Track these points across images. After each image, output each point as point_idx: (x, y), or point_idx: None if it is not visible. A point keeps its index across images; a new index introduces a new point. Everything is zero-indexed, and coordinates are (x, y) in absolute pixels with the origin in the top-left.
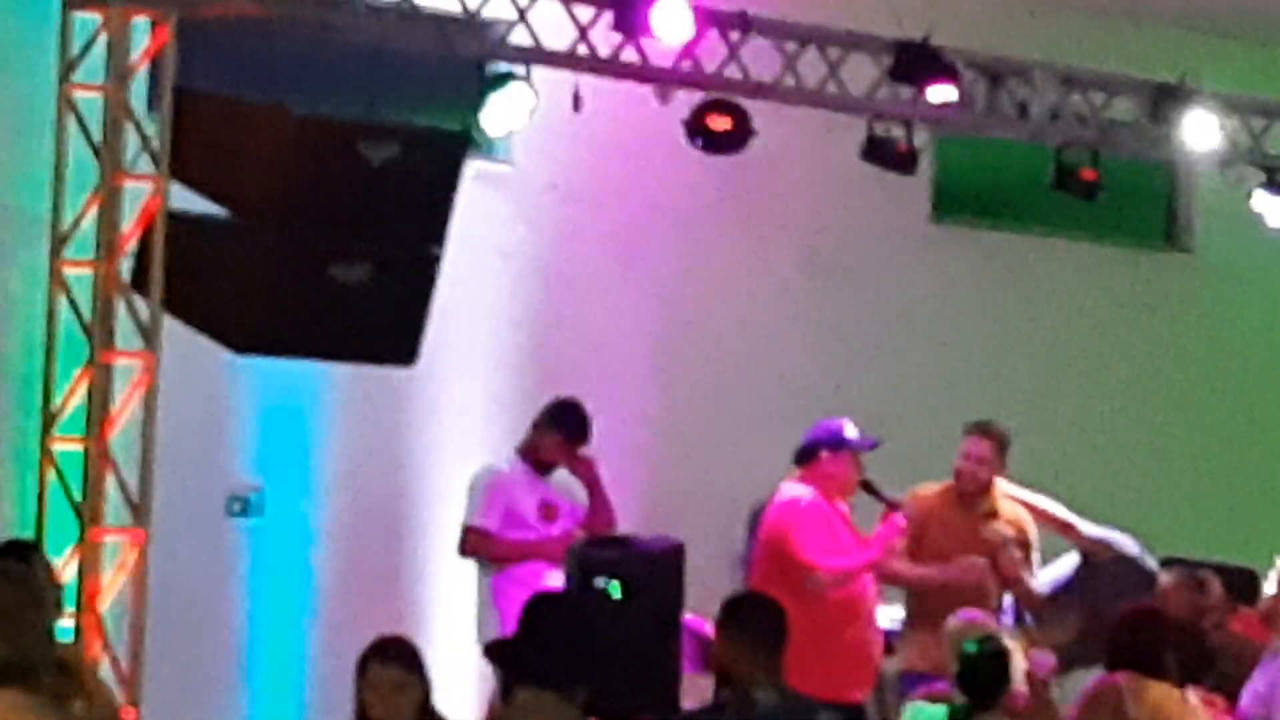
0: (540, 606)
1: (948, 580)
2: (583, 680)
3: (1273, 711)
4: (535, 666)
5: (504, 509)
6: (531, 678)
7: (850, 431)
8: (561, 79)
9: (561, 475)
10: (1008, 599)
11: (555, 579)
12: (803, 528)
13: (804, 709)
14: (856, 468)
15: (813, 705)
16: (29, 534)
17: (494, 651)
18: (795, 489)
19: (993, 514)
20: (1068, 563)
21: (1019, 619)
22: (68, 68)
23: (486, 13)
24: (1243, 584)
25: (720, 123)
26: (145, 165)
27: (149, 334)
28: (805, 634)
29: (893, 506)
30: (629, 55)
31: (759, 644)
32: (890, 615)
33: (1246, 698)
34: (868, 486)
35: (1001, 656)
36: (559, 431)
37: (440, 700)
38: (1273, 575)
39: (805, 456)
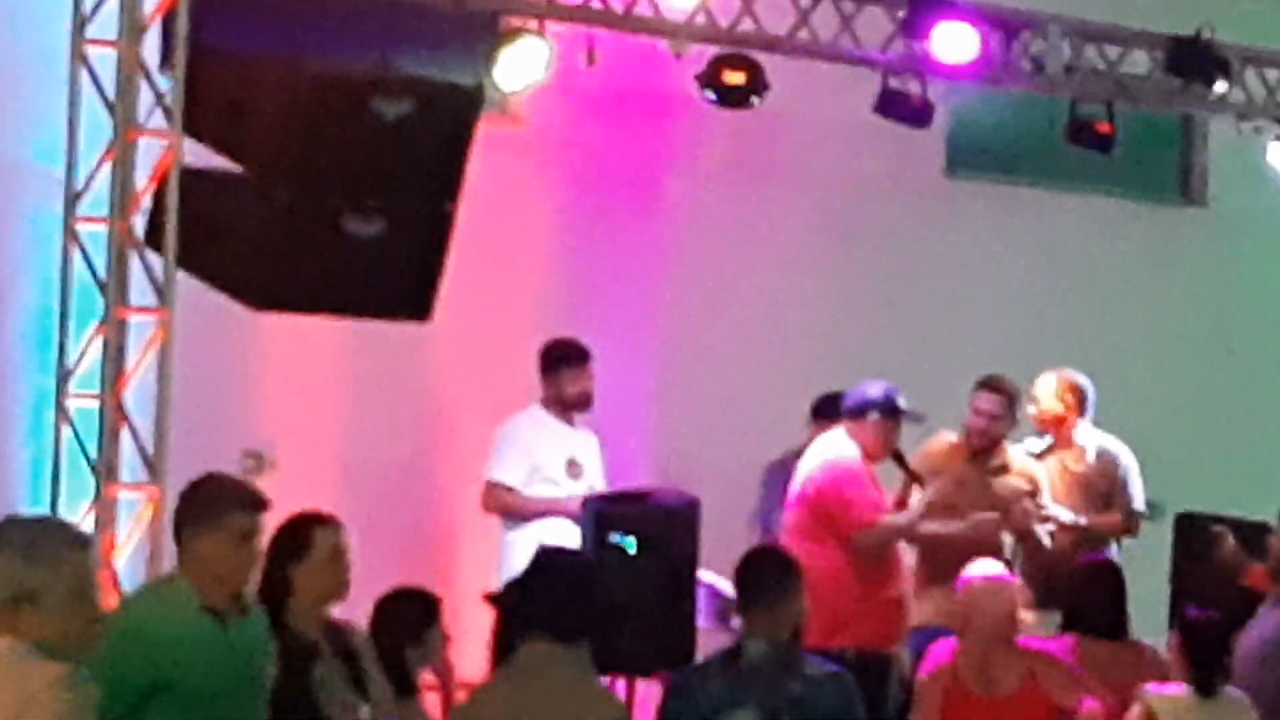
0: (545, 559)
1: (960, 537)
2: (586, 632)
3: (1264, 663)
4: (540, 617)
5: (530, 465)
6: (537, 627)
7: (903, 401)
8: (575, 33)
9: (587, 435)
10: None
11: (575, 537)
12: (860, 487)
13: (792, 658)
14: (897, 437)
15: (802, 655)
16: (45, 490)
17: (497, 600)
18: (841, 446)
19: (1004, 468)
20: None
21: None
22: (81, 23)
23: None
24: (1257, 538)
25: (734, 77)
26: (159, 121)
27: (163, 290)
28: (853, 588)
29: (916, 481)
30: (642, 9)
31: (757, 597)
32: None
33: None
34: (899, 457)
35: (1225, 626)
36: (565, 365)
37: (461, 655)
38: None
39: (855, 414)
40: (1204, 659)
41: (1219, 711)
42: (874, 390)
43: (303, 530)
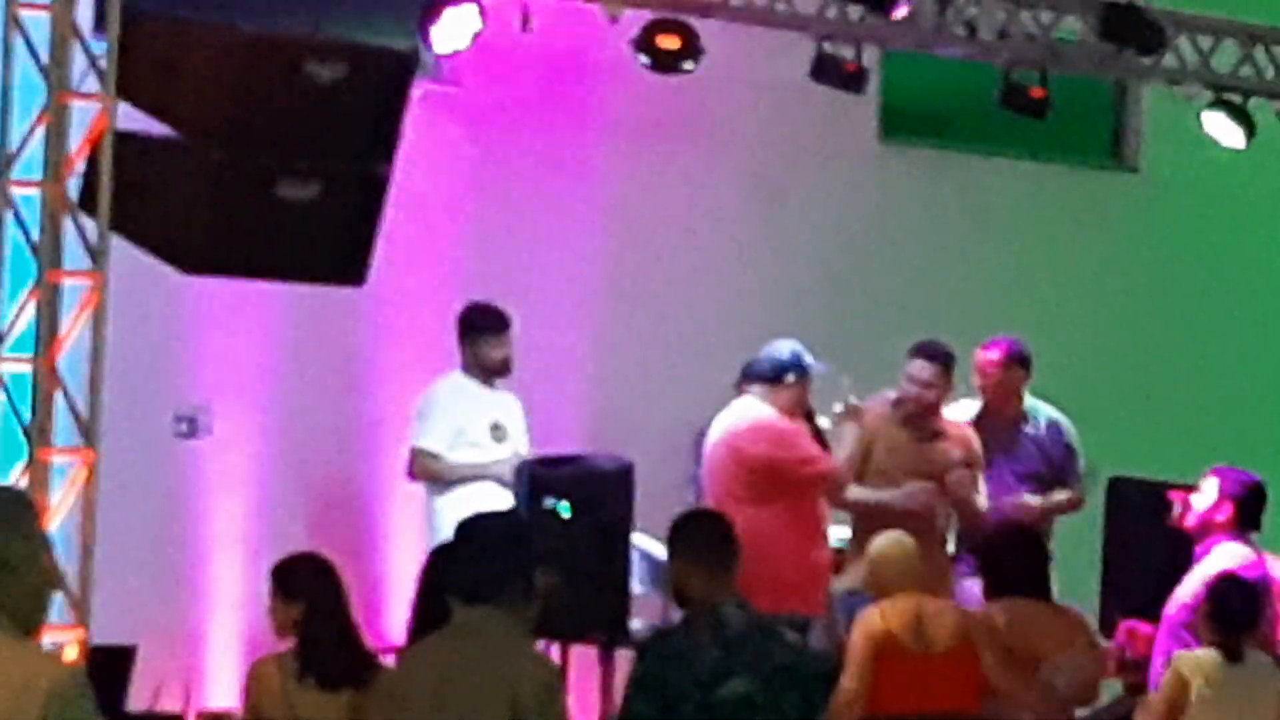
0: (470, 525)
1: (895, 505)
2: (516, 592)
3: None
4: (464, 583)
5: (453, 430)
6: (460, 593)
7: (809, 358)
8: None
9: (509, 398)
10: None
11: (503, 500)
12: (801, 446)
13: (769, 624)
14: (809, 396)
15: (775, 620)
16: None
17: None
18: (763, 409)
19: (939, 434)
20: None
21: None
22: None
23: None
24: None
25: (669, 42)
26: (92, 84)
27: (97, 254)
28: (790, 552)
29: (822, 439)
30: None
31: (715, 561)
32: (838, 535)
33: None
34: (809, 416)
35: (1253, 590)
36: (488, 333)
37: (392, 621)
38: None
39: (771, 378)
40: (1232, 623)
41: (1246, 675)
42: (785, 353)
43: None
